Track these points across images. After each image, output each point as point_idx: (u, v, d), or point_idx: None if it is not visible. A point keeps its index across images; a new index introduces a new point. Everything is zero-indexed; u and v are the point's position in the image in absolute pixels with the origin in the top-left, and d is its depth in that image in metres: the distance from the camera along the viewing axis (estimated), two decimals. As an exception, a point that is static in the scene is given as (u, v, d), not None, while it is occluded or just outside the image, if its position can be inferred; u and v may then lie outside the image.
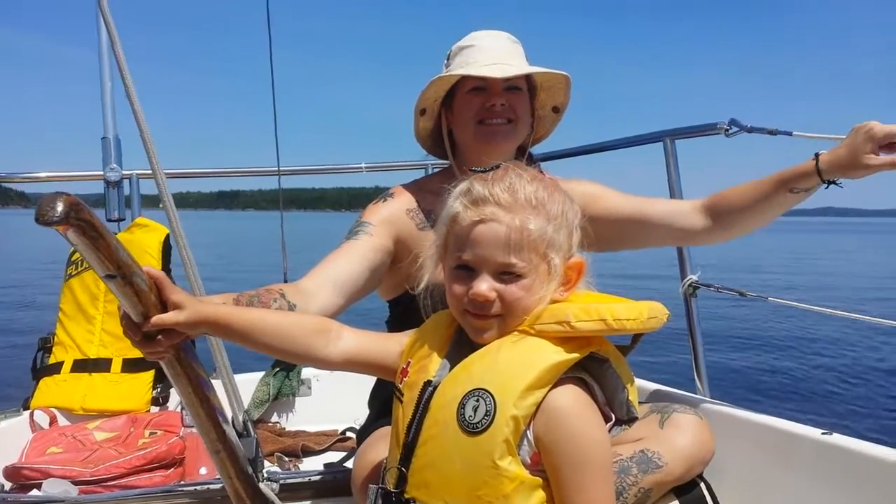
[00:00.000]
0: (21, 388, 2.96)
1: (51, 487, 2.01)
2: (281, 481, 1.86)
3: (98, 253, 0.96)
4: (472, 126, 1.76)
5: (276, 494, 1.75)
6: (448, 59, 1.85)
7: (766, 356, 9.46)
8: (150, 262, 2.69)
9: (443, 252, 1.19)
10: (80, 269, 2.84)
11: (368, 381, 2.06)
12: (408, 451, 1.11)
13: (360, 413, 2.06)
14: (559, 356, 1.05)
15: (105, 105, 2.90)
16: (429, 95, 1.78)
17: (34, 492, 2.04)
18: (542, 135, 1.95)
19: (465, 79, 1.74)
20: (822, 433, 1.56)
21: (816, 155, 1.62)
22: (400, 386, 1.18)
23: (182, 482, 2.09)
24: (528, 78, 1.79)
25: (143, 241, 2.78)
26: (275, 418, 2.96)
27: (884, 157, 1.51)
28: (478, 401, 1.04)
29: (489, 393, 1.04)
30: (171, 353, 1.15)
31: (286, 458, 2.44)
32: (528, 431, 1.04)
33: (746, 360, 9.08)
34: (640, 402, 1.70)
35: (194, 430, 2.19)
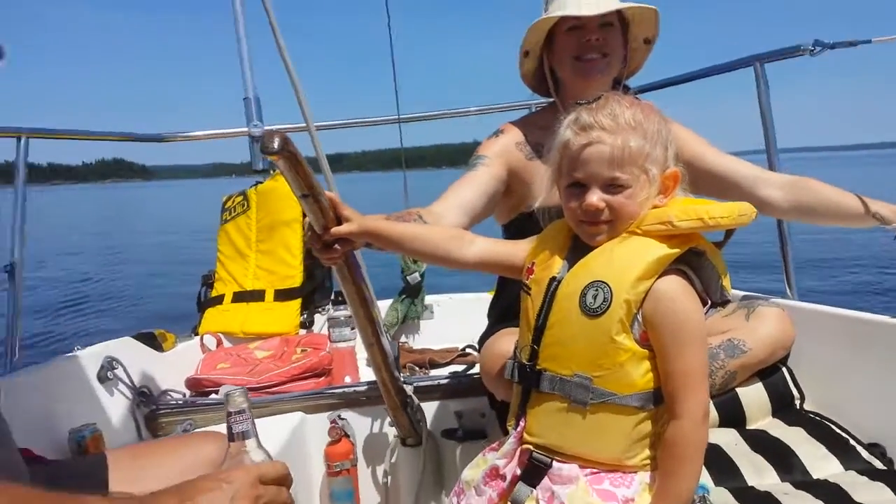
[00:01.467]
0: (184, 320, 3.43)
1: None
2: (415, 384, 2.15)
3: (298, 177, 1.26)
4: (570, 62, 1.92)
5: (412, 393, 2.09)
6: (546, 4, 2.00)
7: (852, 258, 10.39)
8: (295, 203, 3.01)
9: (557, 175, 1.37)
10: (233, 215, 3.25)
11: (483, 306, 2.33)
12: (538, 333, 1.33)
13: (476, 333, 2.29)
14: (663, 251, 1.23)
15: (244, 67, 3.20)
16: (530, 38, 1.96)
17: (213, 396, 2.44)
18: (635, 66, 2.08)
19: (562, 20, 1.90)
20: (892, 317, 1.73)
21: None
22: (527, 282, 1.39)
23: (332, 385, 2.42)
24: (619, 13, 1.92)
25: (286, 186, 3.14)
26: (403, 339, 3.29)
27: None
28: (597, 290, 1.24)
29: (606, 284, 1.24)
30: (342, 259, 1.46)
31: (417, 368, 2.76)
32: (638, 314, 1.23)
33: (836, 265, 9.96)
34: (732, 305, 1.92)
35: (339, 346, 2.55)
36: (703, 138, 2.08)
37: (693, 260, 1.27)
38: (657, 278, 1.23)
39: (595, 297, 1.24)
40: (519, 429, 1.35)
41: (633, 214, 1.27)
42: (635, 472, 1.26)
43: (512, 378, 1.38)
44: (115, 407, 2.24)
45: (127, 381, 2.29)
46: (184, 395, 2.51)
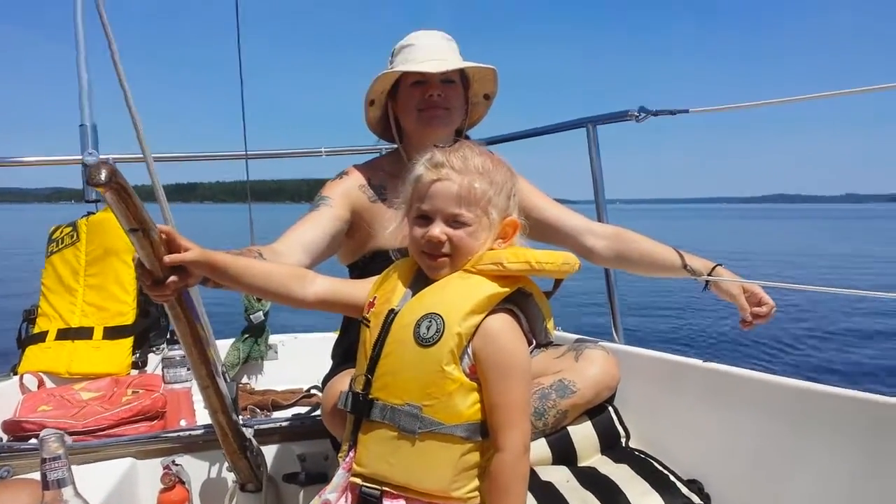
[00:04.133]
0: (5, 357, 3.17)
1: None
2: (255, 427, 2.09)
3: (127, 211, 1.19)
4: (415, 114, 2.02)
5: (251, 436, 2.03)
6: (392, 57, 2.10)
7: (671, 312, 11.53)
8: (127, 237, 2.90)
9: (407, 208, 1.44)
10: (60, 247, 3.05)
11: (328, 346, 2.33)
12: (372, 363, 1.36)
13: (321, 374, 2.30)
14: (494, 289, 1.32)
15: (82, 94, 3.05)
16: (376, 89, 2.04)
17: (33, 440, 2.25)
18: (475, 119, 2.22)
19: (406, 74, 2.00)
20: (704, 361, 1.92)
21: (719, 264, 2.07)
22: (367, 315, 1.43)
23: (167, 430, 2.30)
24: (461, 71, 2.05)
25: (120, 219, 3.01)
26: (245, 380, 3.20)
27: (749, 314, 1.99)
28: (430, 321, 1.30)
29: (440, 315, 1.30)
30: (174, 297, 1.39)
31: (258, 411, 2.69)
32: (468, 347, 1.29)
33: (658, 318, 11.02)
34: (563, 347, 2.05)
35: (174, 387, 2.44)
36: (539, 190, 2.24)
37: (521, 300, 1.36)
38: (487, 314, 1.30)
39: (429, 328, 1.30)
40: (349, 459, 1.37)
41: (471, 252, 1.35)
42: None
43: (345, 407, 1.40)
44: (-81, 451, 2.01)
45: (-66, 422, 2.08)
46: (0, 440, 2.31)
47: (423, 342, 1.30)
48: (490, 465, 1.28)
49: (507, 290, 1.32)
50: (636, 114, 2.46)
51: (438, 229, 1.35)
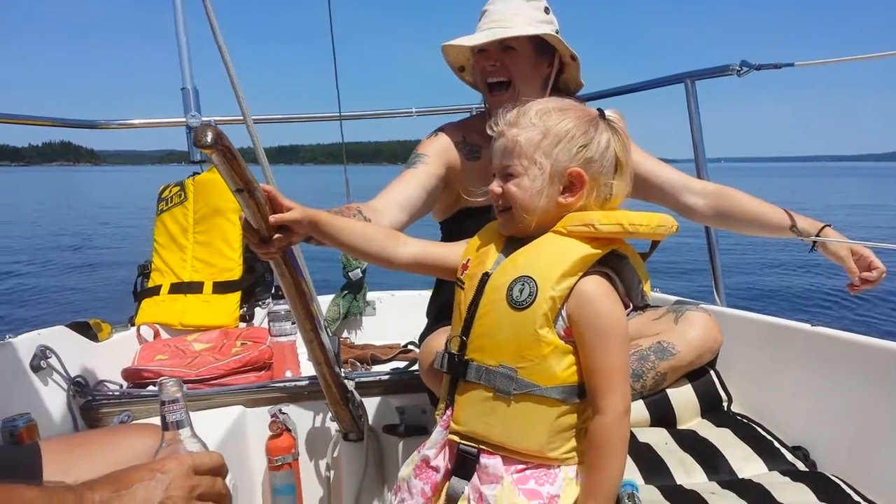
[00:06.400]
0: (119, 310, 3.38)
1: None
2: (356, 379, 2.19)
3: (233, 172, 1.24)
4: (483, 85, 2.04)
5: (353, 389, 2.11)
6: (479, 20, 2.06)
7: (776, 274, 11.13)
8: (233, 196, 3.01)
9: None
10: (170, 206, 3.20)
11: (423, 303, 2.40)
12: (467, 325, 1.38)
13: (418, 330, 2.36)
14: (587, 251, 1.30)
15: (182, 58, 3.15)
16: (451, 60, 2.08)
17: (151, 387, 2.40)
18: (572, 81, 2.12)
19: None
20: (812, 325, 1.85)
21: (827, 225, 2.01)
22: (461, 277, 1.45)
23: (274, 380, 2.42)
24: (538, 36, 1.95)
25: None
26: (345, 334, 3.31)
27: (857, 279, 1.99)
28: (523, 285, 1.30)
29: (532, 279, 1.30)
30: (280, 254, 1.46)
31: (358, 364, 2.78)
32: (562, 310, 1.29)
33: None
34: (661, 309, 2.02)
35: (280, 340, 2.55)
36: (636, 145, 2.14)
37: (616, 263, 1.34)
38: (581, 277, 1.29)
39: (521, 291, 1.30)
40: (446, 417, 1.40)
41: (526, 203, 1.34)
42: (558, 467, 1.31)
43: (441, 368, 1.42)
44: (50, 397, 2.18)
45: (62, 370, 2.23)
46: (121, 387, 2.46)
47: (517, 305, 1.30)
48: (591, 427, 1.28)
49: (599, 251, 1.30)
50: (738, 68, 2.35)
51: (495, 184, 1.37)
